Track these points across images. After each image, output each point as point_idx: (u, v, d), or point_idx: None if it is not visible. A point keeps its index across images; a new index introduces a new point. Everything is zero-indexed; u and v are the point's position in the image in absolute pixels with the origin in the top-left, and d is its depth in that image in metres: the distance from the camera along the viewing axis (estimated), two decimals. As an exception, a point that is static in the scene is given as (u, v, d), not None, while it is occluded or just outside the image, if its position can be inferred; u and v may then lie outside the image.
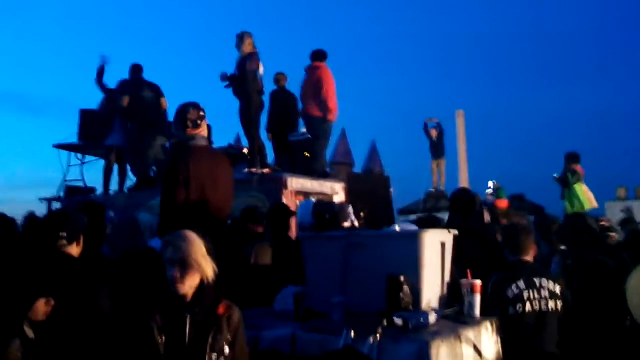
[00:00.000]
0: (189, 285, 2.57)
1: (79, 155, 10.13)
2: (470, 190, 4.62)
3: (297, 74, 9.11)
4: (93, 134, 9.34)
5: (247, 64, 7.76)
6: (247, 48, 7.85)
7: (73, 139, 9.72)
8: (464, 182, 15.02)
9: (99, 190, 9.64)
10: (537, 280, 3.65)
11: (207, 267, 2.58)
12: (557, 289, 3.65)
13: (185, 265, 2.55)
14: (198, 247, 2.59)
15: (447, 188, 14.90)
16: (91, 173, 10.16)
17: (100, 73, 9.36)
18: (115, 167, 9.48)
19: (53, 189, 9.92)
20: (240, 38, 7.88)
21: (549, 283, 3.65)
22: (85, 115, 9.46)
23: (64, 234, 3.12)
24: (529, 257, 3.81)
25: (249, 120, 7.91)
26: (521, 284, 3.62)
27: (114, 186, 9.53)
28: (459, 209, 4.42)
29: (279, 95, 9.21)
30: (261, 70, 7.93)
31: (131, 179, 9.77)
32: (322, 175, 8.08)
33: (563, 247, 4.56)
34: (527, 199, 14.92)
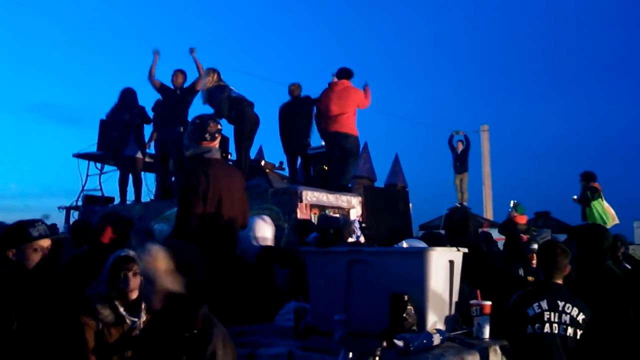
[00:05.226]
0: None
1: (98, 165, 10.17)
2: (463, 209, 4.48)
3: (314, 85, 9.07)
4: (112, 144, 9.34)
5: (217, 95, 8.02)
6: (209, 83, 8.14)
7: (93, 148, 9.78)
8: (487, 197, 14.80)
9: (117, 200, 9.64)
10: (560, 304, 3.50)
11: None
12: (580, 317, 3.48)
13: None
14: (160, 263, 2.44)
15: (471, 204, 14.71)
16: (109, 183, 10.20)
17: (152, 69, 9.07)
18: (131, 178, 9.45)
19: (73, 198, 10.01)
20: (205, 74, 8.25)
21: (573, 310, 3.49)
22: (105, 126, 9.48)
23: None
24: (559, 280, 3.65)
25: (240, 136, 8.14)
26: (544, 304, 3.51)
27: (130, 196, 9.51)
28: (453, 229, 4.29)
29: (291, 107, 9.14)
30: (234, 89, 8.18)
31: (150, 190, 9.80)
32: (338, 188, 7.96)
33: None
34: (552, 217, 14.60)
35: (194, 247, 2.60)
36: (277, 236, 6.71)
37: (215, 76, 8.21)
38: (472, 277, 3.56)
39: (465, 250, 3.47)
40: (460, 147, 15.10)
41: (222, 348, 2.37)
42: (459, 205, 15.04)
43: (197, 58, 8.73)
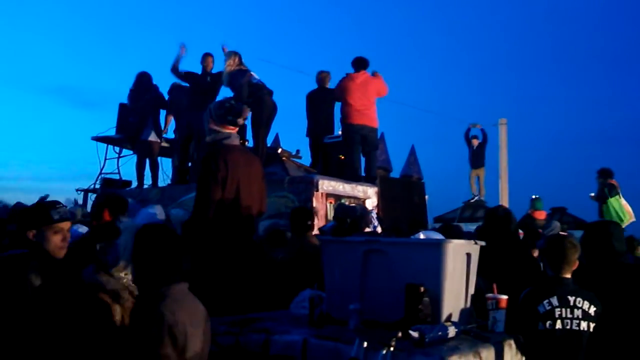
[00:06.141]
0: None
1: (116, 149, 10.25)
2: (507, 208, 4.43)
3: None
4: (130, 127, 9.39)
5: (237, 79, 8.08)
6: (230, 66, 8.21)
7: (112, 132, 9.86)
8: (504, 192, 14.63)
9: (135, 183, 9.72)
10: (571, 299, 3.46)
11: None
12: (592, 310, 3.45)
13: None
14: None
15: (486, 198, 14.59)
16: (127, 167, 10.30)
17: (177, 62, 9.07)
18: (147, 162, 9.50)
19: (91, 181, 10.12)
20: (227, 57, 8.32)
21: (584, 303, 3.46)
22: (124, 109, 9.54)
23: None
24: (568, 274, 3.61)
25: (258, 123, 8.16)
26: (554, 300, 3.46)
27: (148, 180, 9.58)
28: (495, 224, 4.24)
29: (316, 95, 9.16)
30: (255, 75, 8.22)
31: (167, 175, 9.87)
32: (354, 178, 7.96)
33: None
34: (568, 212, 14.45)
35: (172, 231, 2.71)
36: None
37: (237, 59, 8.25)
38: (511, 272, 3.52)
39: (482, 243, 3.46)
40: (475, 143, 14.95)
41: (155, 326, 2.41)
42: (474, 199, 14.95)
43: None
